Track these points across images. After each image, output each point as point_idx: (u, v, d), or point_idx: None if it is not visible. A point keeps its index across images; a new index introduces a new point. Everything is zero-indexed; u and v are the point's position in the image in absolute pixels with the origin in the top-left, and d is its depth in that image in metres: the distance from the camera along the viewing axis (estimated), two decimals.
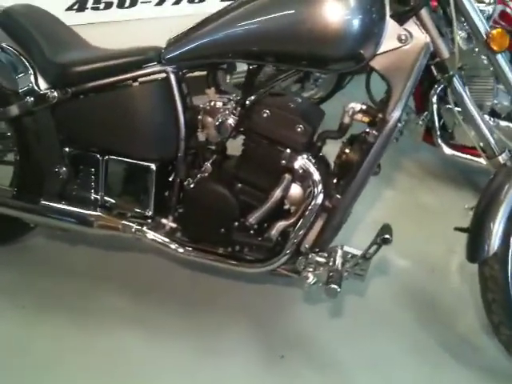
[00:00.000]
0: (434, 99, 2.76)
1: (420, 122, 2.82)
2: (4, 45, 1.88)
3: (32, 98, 1.88)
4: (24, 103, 1.89)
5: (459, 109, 1.87)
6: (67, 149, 1.95)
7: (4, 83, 1.94)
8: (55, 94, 1.86)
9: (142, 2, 3.20)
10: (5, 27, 1.91)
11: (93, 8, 3.09)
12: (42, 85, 1.89)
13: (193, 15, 3.24)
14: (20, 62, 1.88)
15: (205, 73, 1.92)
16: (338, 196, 1.76)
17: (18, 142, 2.03)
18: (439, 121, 2.82)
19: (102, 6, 3.11)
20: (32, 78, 1.88)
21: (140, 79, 1.85)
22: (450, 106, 2.78)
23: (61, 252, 2.32)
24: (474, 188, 2.97)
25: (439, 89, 2.73)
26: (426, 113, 2.82)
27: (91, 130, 1.92)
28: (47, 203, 1.97)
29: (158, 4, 3.24)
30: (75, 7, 3.04)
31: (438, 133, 2.82)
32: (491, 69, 2.63)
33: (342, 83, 3.37)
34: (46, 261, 2.28)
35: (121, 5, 3.15)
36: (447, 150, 2.83)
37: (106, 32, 2.99)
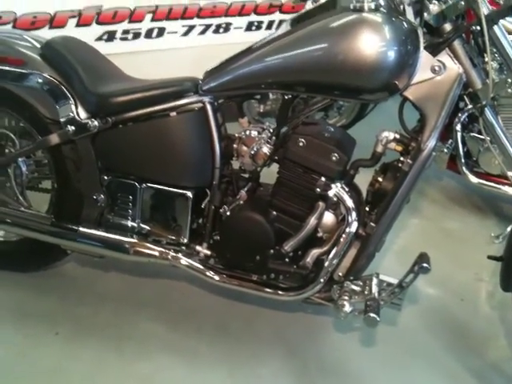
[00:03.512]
0: (458, 127, 2.78)
1: (445, 150, 2.83)
2: (46, 75, 1.92)
3: (73, 127, 1.90)
4: (64, 132, 1.92)
5: (482, 136, 1.87)
6: (105, 177, 1.99)
7: (45, 113, 1.99)
8: (96, 123, 1.89)
9: (168, 33, 3.29)
10: (47, 58, 1.96)
11: (121, 38, 3.18)
12: (82, 114, 1.91)
13: (218, 45, 3.36)
14: (61, 91, 1.91)
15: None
16: (373, 224, 1.77)
17: (56, 170, 2.07)
18: (463, 148, 2.85)
19: (130, 36, 3.20)
20: (73, 107, 1.90)
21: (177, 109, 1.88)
22: (474, 134, 2.82)
23: (93, 278, 2.33)
24: (499, 215, 2.98)
25: (463, 117, 2.77)
26: (450, 141, 2.84)
27: (130, 159, 1.95)
28: (86, 230, 2.00)
29: (185, 34, 3.33)
30: (104, 37, 3.13)
31: (463, 161, 2.84)
32: None
33: (364, 112, 3.41)
34: (78, 287, 2.29)
35: (148, 35, 3.25)
36: (473, 178, 2.84)
37: (135, 61, 3.06)
